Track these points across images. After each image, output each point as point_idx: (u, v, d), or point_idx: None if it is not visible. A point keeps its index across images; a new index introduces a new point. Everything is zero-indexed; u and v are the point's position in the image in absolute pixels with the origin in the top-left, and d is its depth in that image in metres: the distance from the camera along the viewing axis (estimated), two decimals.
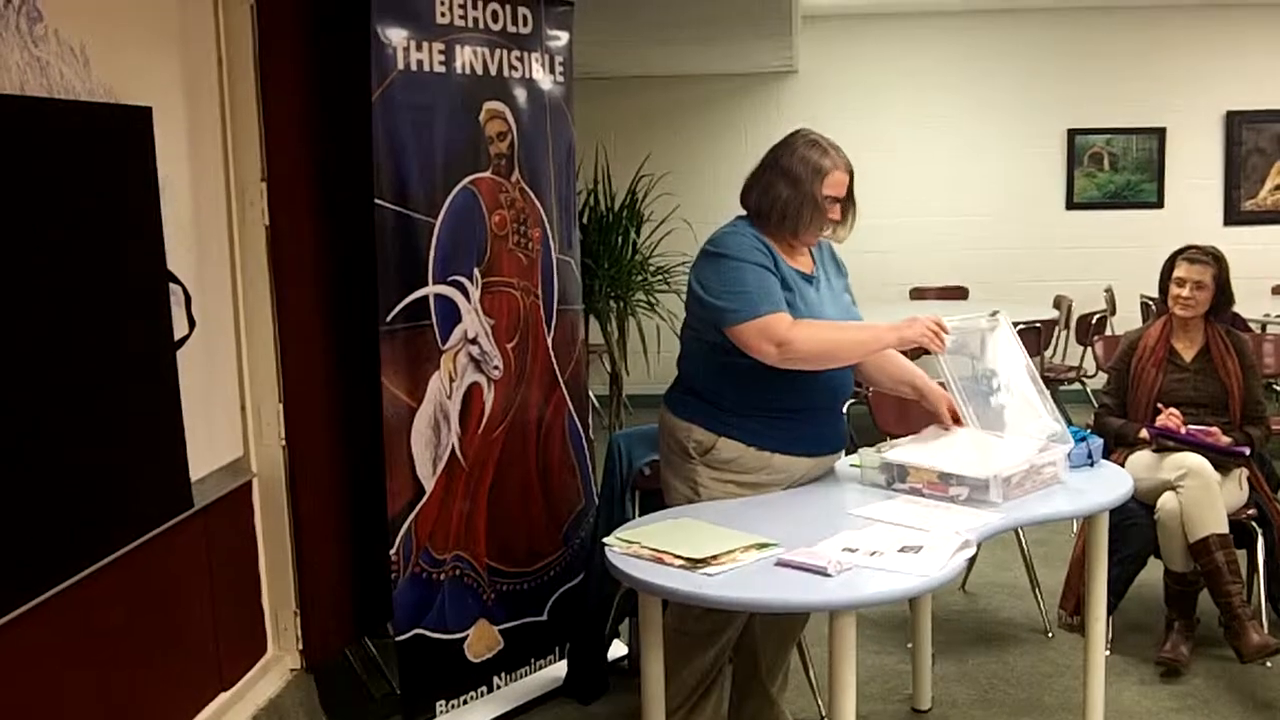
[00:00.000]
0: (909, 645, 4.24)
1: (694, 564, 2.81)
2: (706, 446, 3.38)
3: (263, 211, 3.78)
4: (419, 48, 3.67)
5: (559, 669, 4.26)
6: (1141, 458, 4.42)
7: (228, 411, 3.77)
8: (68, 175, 2.86)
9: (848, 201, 3.43)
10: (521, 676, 4.18)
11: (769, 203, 3.37)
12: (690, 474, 3.41)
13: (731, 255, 3.30)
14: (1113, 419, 4.60)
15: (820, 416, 3.45)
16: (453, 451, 3.83)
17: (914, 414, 3.95)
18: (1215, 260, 4.49)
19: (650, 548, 2.91)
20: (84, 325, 2.91)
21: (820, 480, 3.55)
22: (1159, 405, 4.45)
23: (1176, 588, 4.37)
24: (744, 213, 3.47)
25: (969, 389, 3.50)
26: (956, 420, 3.51)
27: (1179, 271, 4.51)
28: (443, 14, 3.75)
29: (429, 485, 3.77)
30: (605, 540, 3.03)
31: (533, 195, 4.06)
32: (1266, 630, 4.21)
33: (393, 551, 3.69)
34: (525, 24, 4.03)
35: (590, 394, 5.23)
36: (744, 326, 3.23)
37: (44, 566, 2.78)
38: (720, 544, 2.90)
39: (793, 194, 3.32)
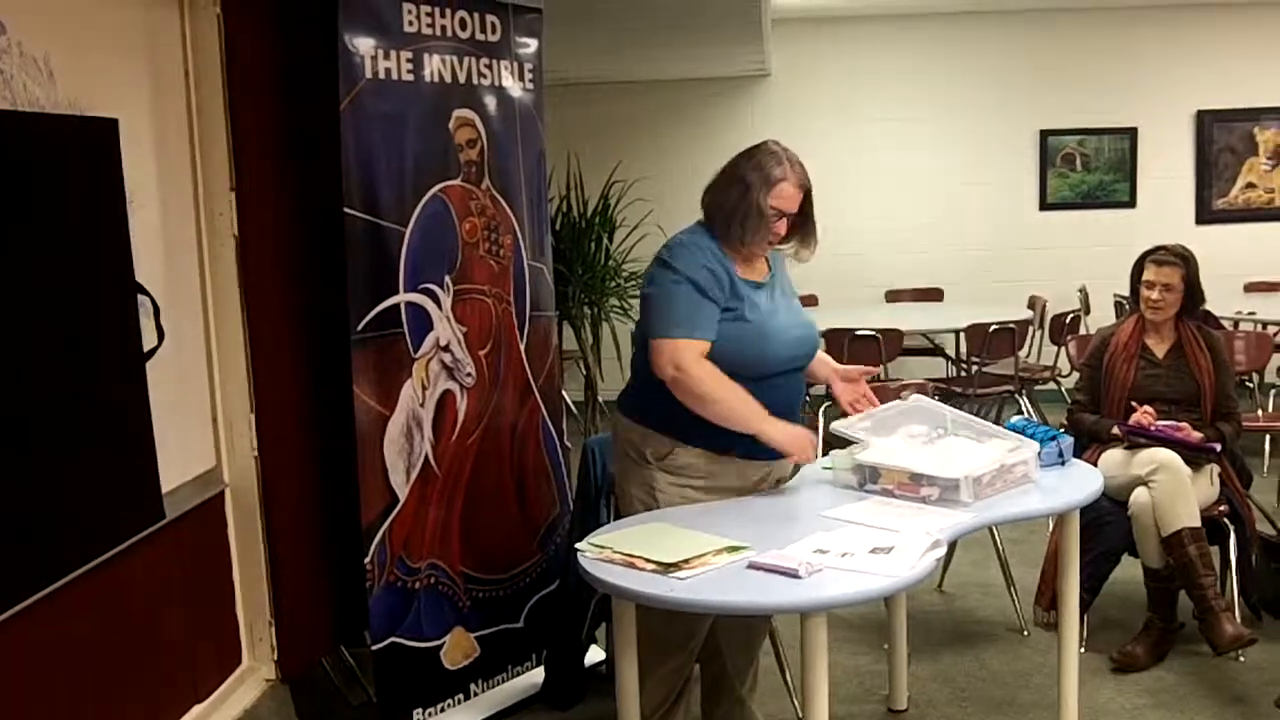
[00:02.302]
0: (885, 646, 4.25)
1: (666, 568, 2.82)
2: (663, 452, 3.37)
3: (231, 221, 3.78)
4: (387, 56, 3.67)
5: (536, 675, 4.26)
6: (1114, 455, 4.44)
7: (199, 422, 3.77)
8: (33, 188, 2.86)
9: (805, 221, 3.43)
10: (499, 683, 4.17)
11: (719, 207, 3.37)
12: (648, 480, 3.39)
13: (675, 267, 3.31)
14: (1086, 415, 4.62)
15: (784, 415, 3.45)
16: (426, 459, 3.83)
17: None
18: (1184, 261, 4.52)
19: (622, 553, 2.92)
20: (51, 337, 2.91)
21: (791, 482, 3.57)
22: (1132, 403, 4.47)
23: (1155, 585, 4.39)
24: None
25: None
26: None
27: (1147, 274, 4.53)
28: (410, 22, 3.75)
29: (403, 493, 3.76)
30: (577, 546, 3.04)
31: (504, 202, 4.06)
32: (1239, 621, 4.23)
33: (367, 560, 3.68)
34: (494, 31, 4.03)
35: (566, 399, 5.23)
36: (659, 342, 3.28)
37: (14, 580, 2.77)
38: (692, 548, 2.90)
39: (740, 201, 3.32)
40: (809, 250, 3.49)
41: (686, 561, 2.84)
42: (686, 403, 3.27)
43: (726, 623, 3.58)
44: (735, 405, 3.28)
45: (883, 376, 7.20)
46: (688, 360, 3.24)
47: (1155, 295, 4.50)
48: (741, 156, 3.39)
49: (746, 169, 3.34)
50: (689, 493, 3.36)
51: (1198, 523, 4.22)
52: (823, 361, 3.71)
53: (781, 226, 3.37)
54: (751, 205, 3.30)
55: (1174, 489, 4.21)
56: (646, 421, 3.40)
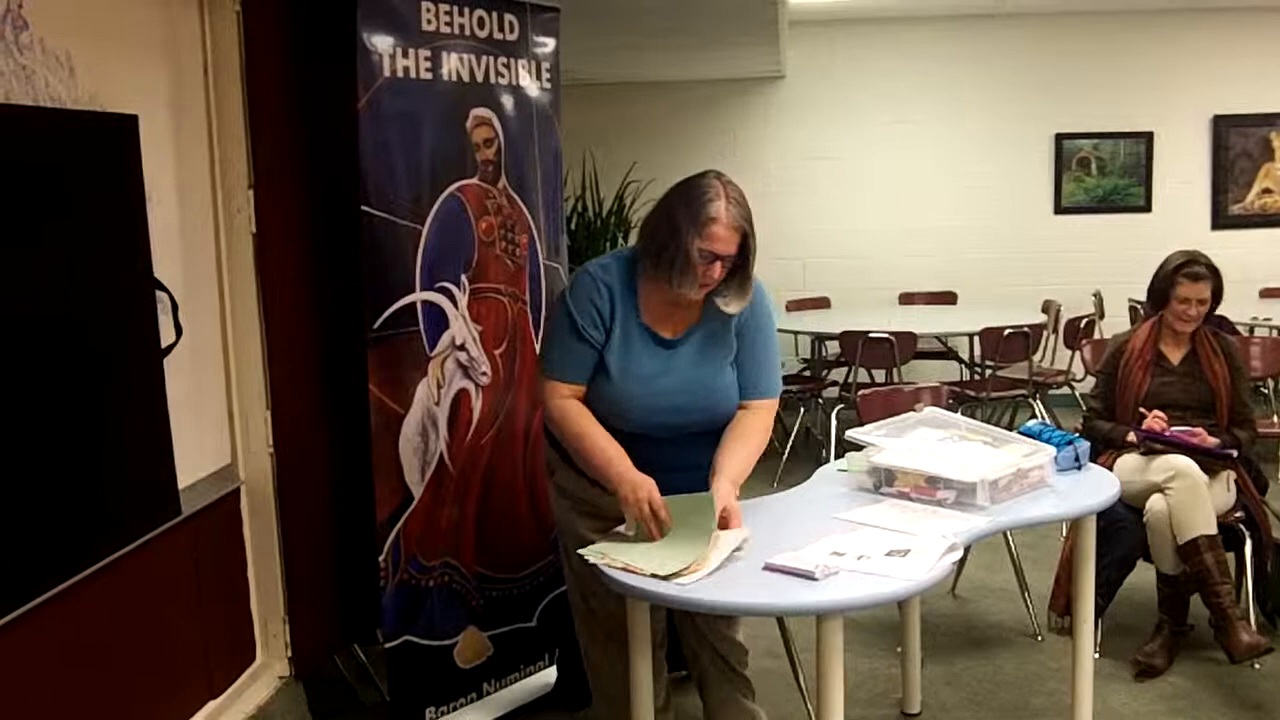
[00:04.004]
0: (898, 649, 4.24)
1: (662, 579, 2.79)
2: (552, 468, 3.40)
3: (249, 219, 3.78)
4: (405, 55, 3.67)
5: (548, 675, 4.26)
6: (1129, 460, 4.43)
7: (215, 419, 3.77)
8: (54, 184, 2.86)
9: (743, 266, 3.11)
10: (511, 683, 4.17)
11: (646, 243, 3.13)
12: (550, 494, 3.43)
13: (567, 299, 3.20)
14: (1101, 422, 4.61)
15: (655, 470, 3.09)
16: (441, 458, 3.83)
17: (900, 412, 3.96)
18: (1213, 273, 4.50)
19: (621, 561, 2.89)
20: (71, 333, 2.91)
21: (806, 484, 3.56)
22: (1142, 410, 4.46)
23: (1167, 590, 4.38)
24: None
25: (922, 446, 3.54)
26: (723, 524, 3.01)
27: (1184, 291, 4.48)
28: (429, 21, 3.75)
29: (417, 492, 3.77)
30: (580, 552, 3.01)
31: (520, 201, 4.06)
32: (1254, 628, 4.22)
33: (381, 558, 3.69)
34: (512, 31, 4.03)
35: None
36: (539, 374, 3.29)
37: (31, 575, 2.78)
38: (683, 558, 2.84)
39: (668, 240, 3.04)
40: (741, 301, 3.15)
41: (678, 574, 2.80)
42: None
43: (683, 621, 3.53)
44: (586, 448, 3.13)
45: (896, 380, 7.19)
46: (547, 396, 3.21)
47: (1194, 312, 4.48)
48: (677, 188, 3.12)
49: (678, 204, 3.06)
50: (570, 516, 3.31)
51: (1214, 530, 4.21)
52: (723, 447, 3.18)
53: (715, 270, 3.06)
54: (679, 247, 3.02)
55: (1191, 496, 4.19)
56: (548, 433, 3.40)
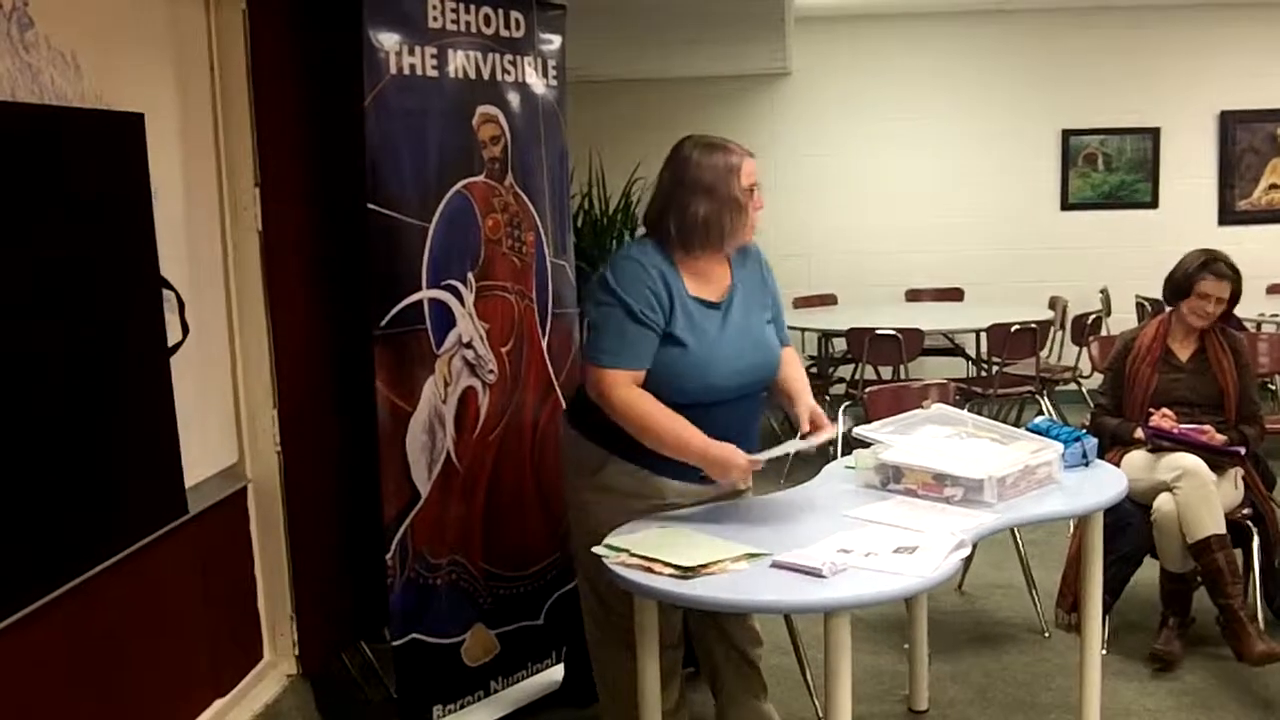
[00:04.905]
0: (905, 646, 4.24)
1: (684, 573, 2.80)
2: (593, 466, 3.33)
3: (256, 217, 3.79)
4: (411, 52, 3.67)
5: (556, 673, 4.26)
6: (1137, 458, 4.42)
7: (222, 417, 3.78)
8: (60, 182, 2.86)
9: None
10: (518, 681, 4.17)
11: (690, 222, 3.20)
12: (579, 492, 3.38)
13: (612, 287, 3.21)
14: (1109, 419, 4.60)
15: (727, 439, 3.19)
16: (448, 456, 3.83)
17: (908, 409, 3.95)
18: (1236, 274, 4.49)
19: (640, 556, 2.89)
20: (77, 332, 2.92)
21: (813, 481, 3.56)
22: (1149, 409, 4.45)
23: (1172, 586, 4.37)
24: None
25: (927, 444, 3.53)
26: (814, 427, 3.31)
27: (1207, 288, 4.46)
28: (435, 18, 3.74)
29: (424, 490, 3.76)
30: (595, 549, 3.01)
31: (526, 199, 4.06)
32: (1262, 627, 4.21)
33: (388, 556, 3.68)
34: (517, 28, 4.03)
35: None
36: (588, 366, 3.23)
37: (38, 573, 2.78)
38: (711, 553, 2.87)
39: (712, 205, 3.19)
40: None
41: (704, 566, 2.81)
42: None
43: (699, 623, 3.52)
44: (661, 432, 3.14)
45: (903, 376, 7.19)
46: (608, 388, 3.16)
47: (1213, 309, 4.47)
48: (679, 167, 3.25)
49: (700, 174, 3.20)
50: (619, 514, 3.23)
51: (1223, 530, 4.19)
52: (790, 380, 3.46)
53: (760, 200, 3.26)
54: (728, 199, 3.19)
55: (1199, 496, 4.18)
56: (587, 431, 3.35)
